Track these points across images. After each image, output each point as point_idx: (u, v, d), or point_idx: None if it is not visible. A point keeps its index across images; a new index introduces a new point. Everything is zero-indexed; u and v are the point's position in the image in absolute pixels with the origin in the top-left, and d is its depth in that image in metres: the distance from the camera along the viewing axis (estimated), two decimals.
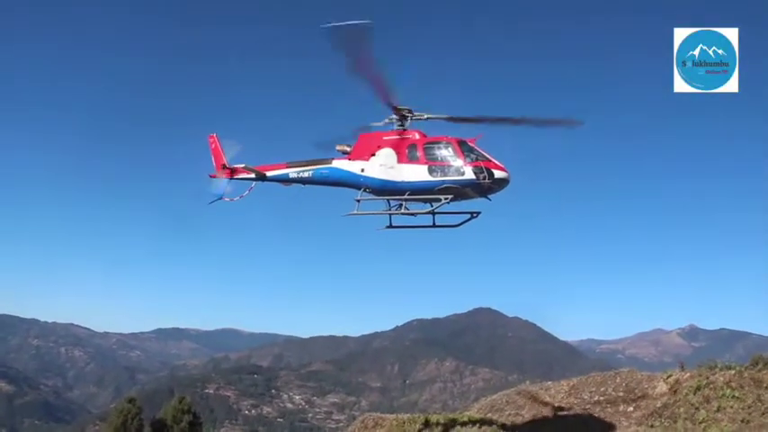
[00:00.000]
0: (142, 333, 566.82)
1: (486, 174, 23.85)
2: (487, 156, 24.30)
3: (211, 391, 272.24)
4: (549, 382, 37.88)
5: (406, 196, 25.42)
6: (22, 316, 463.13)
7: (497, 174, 23.98)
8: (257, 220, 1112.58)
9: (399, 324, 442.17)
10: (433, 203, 25.02)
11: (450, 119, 25.33)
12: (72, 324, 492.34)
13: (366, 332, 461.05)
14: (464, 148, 24.49)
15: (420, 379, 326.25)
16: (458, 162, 24.31)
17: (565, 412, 31.65)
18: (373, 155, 26.13)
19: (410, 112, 25.55)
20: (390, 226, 26.58)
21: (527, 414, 32.79)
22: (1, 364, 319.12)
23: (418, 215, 25.77)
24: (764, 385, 27.58)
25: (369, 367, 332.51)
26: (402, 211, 25.93)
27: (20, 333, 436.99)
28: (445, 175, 24.42)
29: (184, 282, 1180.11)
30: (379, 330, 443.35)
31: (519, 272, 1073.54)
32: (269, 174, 28.88)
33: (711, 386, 28.37)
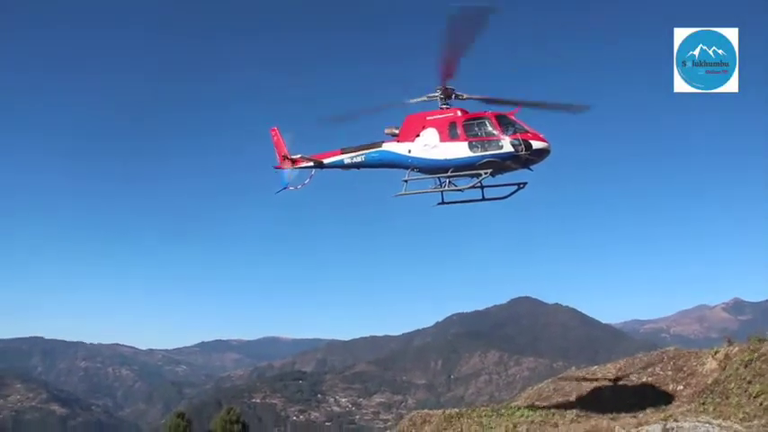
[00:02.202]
0: (186, 347, 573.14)
1: (523, 145, 24.57)
2: (526, 128, 25.02)
3: (258, 400, 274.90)
4: (596, 366, 37.58)
5: (449, 173, 26.31)
6: (68, 339, 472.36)
7: (536, 144, 24.68)
8: (289, 228, 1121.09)
9: (440, 320, 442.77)
10: (476, 178, 25.85)
11: (487, 100, 26.29)
12: (117, 344, 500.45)
13: (407, 330, 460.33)
14: (502, 122, 25.29)
15: (465, 373, 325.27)
16: (496, 136, 25.10)
17: (614, 395, 31.31)
18: (418, 135, 27.19)
19: (453, 91, 26.63)
20: (443, 202, 27.66)
21: (575, 399, 32.50)
22: (53, 388, 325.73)
23: (466, 190, 26.75)
24: None
25: (412, 365, 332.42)
26: (448, 187, 26.78)
27: (68, 357, 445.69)
28: (485, 150, 25.25)
29: (224, 294, 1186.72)
30: (420, 327, 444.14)
31: (555, 258, 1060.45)
32: (326, 161, 30.44)
33: (763, 359, 27.69)
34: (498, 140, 24.94)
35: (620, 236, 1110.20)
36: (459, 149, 25.79)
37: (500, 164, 25.21)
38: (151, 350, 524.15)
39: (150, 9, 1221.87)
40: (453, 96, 26.79)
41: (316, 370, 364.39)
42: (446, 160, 26.16)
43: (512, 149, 24.65)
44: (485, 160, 25.18)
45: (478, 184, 26.34)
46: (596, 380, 34.51)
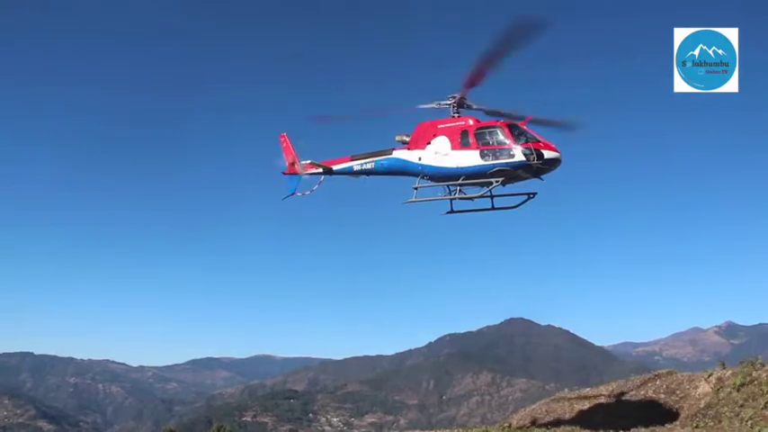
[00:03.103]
0: (177, 365, 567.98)
1: (535, 155, 24.69)
2: (538, 137, 25.16)
3: (249, 419, 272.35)
4: (588, 389, 37.54)
5: (460, 181, 26.42)
6: (58, 355, 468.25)
7: (547, 154, 24.81)
8: (282, 246, 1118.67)
9: (432, 340, 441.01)
10: (486, 187, 25.97)
11: (489, 112, 26.54)
12: (108, 360, 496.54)
13: (400, 350, 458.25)
14: (514, 131, 25.43)
15: (457, 394, 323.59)
16: (508, 145, 25.22)
17: (606, 417, 31.23)
18: (429, 143, 27.40)
19: (466, 101, 26.91)
20: (452, 211, 27.75)
21: (568, 421, 32.40)
22: (41, 404, 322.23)
23: (476, 199, 26.85)
24: None
25: (405, 385, 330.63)
26: (458, 195, 26.85)
27: (57, 372, 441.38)
28: (496, 159, 25.40)
29: (216, 311, 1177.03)
30: (412, 347, 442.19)
31: (548, 279, 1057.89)
32: (335, 168, 30.53)
33: (755, 383, 27.69)
34: (510, 149, 25.07)
35: (614, 257, 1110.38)
36: (470, 158, 25.93)
37: (511, 173, 25.37)
38: (142, 367, 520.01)
39: (152, 17, 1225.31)
40: (465, 106, 27.02)
41: (307, 389, 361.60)
42: (457, 168, 26.28)
43: (523, 158, 24.79)
44: (495, 169, 25.32)
45: (488, 194, 26.47)
46: (589, 402, 34.44)
